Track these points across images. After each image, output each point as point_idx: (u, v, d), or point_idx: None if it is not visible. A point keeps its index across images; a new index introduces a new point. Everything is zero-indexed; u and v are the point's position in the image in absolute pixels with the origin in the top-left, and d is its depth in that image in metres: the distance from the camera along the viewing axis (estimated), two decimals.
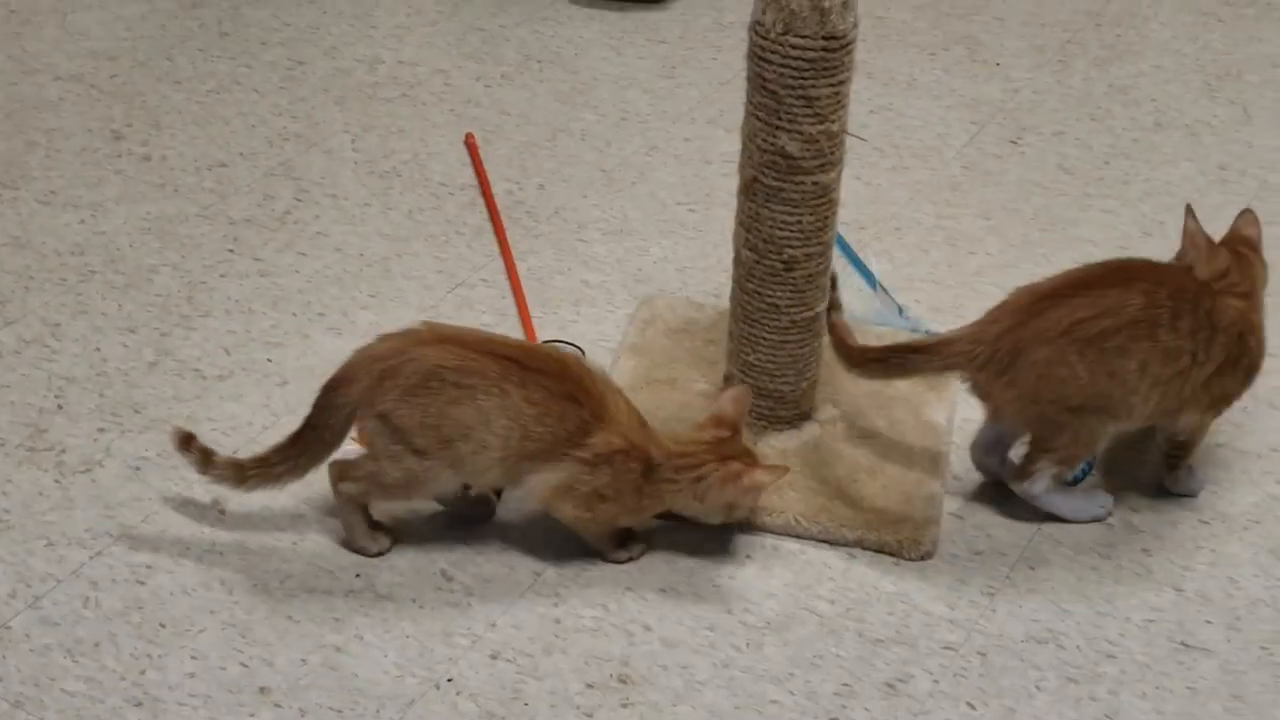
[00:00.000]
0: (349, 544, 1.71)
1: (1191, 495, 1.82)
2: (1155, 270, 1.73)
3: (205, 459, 1.68)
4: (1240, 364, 1.72)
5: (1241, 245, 1.78)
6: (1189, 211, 1.79)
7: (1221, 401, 1.75)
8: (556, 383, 1.62)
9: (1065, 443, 1.68)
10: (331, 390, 1.64)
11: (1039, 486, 1.71)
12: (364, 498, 1.69)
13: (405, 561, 1.70)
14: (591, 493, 1.63)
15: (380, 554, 1.71)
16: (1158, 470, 1.82)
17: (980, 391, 1.71)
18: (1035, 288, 1.70)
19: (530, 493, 1.65)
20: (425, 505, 1.73)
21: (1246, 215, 1.81)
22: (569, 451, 1.62)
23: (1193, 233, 1.77)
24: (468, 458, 1.62)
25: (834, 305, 1.77)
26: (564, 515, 1.65)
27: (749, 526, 1.74)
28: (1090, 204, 2.34)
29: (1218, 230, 1.80)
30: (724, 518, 1.68)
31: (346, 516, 1.70)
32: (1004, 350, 1.65)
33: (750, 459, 1.66)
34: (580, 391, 1.62)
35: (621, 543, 1.71)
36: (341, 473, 1.68)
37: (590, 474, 1.62)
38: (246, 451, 1.81)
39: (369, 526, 1.71)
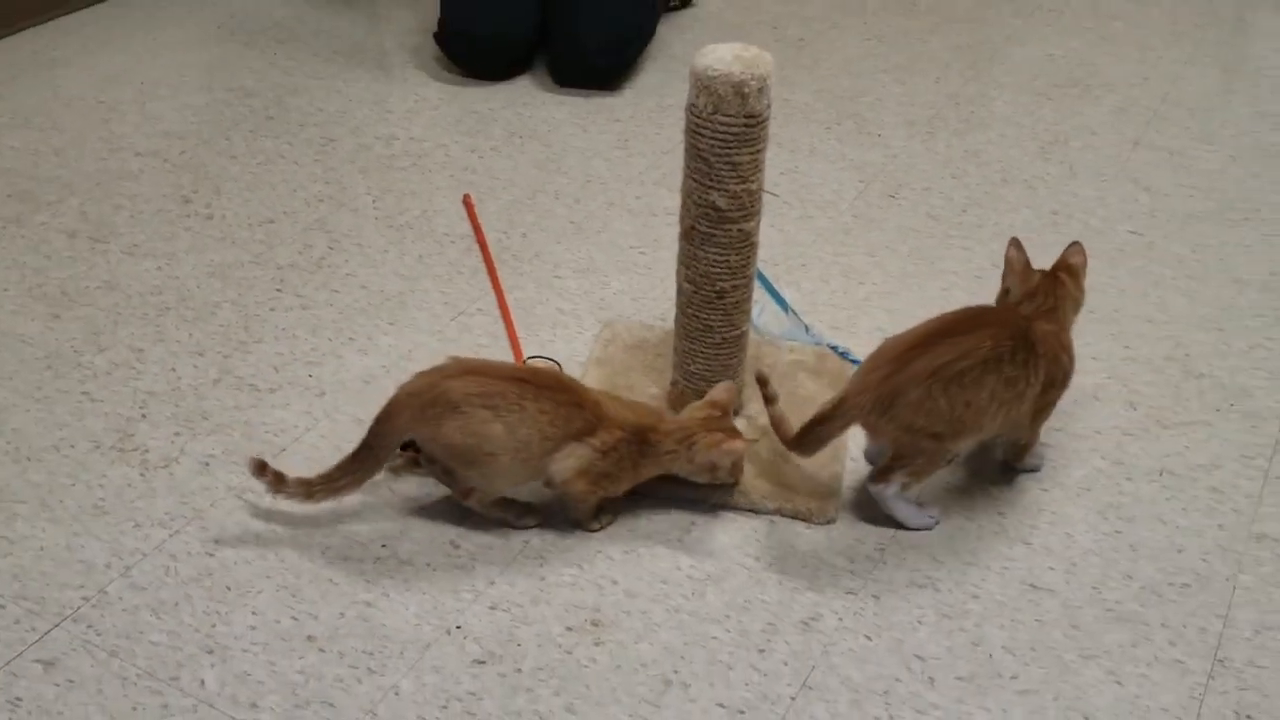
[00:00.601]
0: (509, 524, 1.69)
1: (1035, 470, 1.82)
2: (997, 314, 1.71)
3: (278, 481, 1.63)
4: (1058, 378, 1.71)
5: (1064, 270, 1.76)
6: (1013, 242, 1.78)
7: (1047, 408, 1.73)
8: (560, 394, 1.61)
9: (920, 463, 1.66)
10: (382, 421, 1.61)
11: (890, 490, 1.68)
12: (486, 498, 1.66)
13: (421, 534, 1.69)
14: (601, 473, 1.63)
15: (537, 525, 1.69)
16: (1008, 454, 1.82)
17: (867, 427, 1.67)
18: (902, 339, 1.65)
19: (554, 475, 1.63)
20: (438, 490, 1.72)
21: (1074, 246, 1.79)
22: (584, 440, 1.61)
23: (1012, 259, 1.77)
24: (507, 462, 1.61)
25: (770, 399, 1.69)
26: (575, 489, 1.64)
27: (724, 499, 1.73)
28: (952, 244, 2.35)
29: (1051, 261, 1.80)
30: (708, 478, 1.67)
31: (495, 515, 1.68)
32: (885, 394, 1.61)
33: (732, 433, 1.66)
34: (579, 399, 1.62)
35: (595, 515, 1.70)
36: (464, 495, 1.66)
37: (601, 460, 1.62)
38: (294, 449, 1.79)
39: (519, 509, 1.69)
